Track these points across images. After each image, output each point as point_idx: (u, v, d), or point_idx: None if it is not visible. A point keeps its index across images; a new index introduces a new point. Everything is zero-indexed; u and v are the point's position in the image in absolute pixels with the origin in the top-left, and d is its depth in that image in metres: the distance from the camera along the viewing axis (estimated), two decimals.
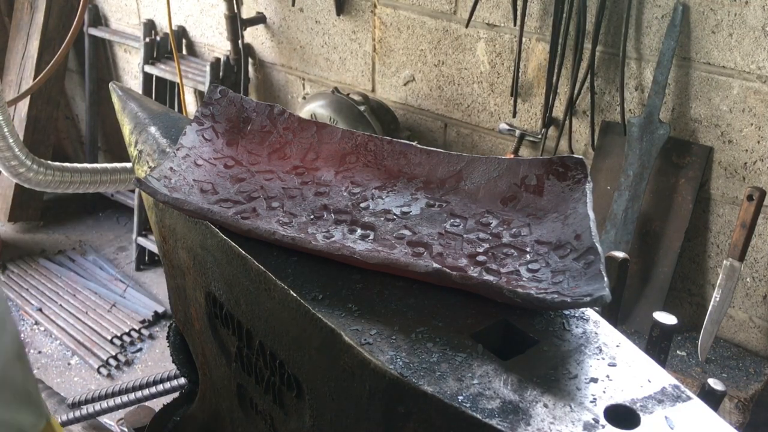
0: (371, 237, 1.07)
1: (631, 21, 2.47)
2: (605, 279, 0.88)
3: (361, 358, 0.83)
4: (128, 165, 2.91)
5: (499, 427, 0.73)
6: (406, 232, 1.07)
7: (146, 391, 2.03)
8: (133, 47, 4.20)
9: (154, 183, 1.10)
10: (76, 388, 3.34)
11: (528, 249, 1.02)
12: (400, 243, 1.05)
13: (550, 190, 1.08)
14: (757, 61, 2.27)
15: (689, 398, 0.79)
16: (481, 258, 1.01)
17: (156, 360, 3.51)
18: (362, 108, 2.98)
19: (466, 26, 2.79)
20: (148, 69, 3.96)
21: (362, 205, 1.14)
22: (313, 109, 3.03)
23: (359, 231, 1.08)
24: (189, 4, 3.87)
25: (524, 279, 0.96)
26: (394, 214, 1.11)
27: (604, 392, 0.79)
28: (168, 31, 3.64)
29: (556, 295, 0.88)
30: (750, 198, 2.26)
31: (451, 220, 1.09)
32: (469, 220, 1.09)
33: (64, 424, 1.99)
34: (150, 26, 4.07)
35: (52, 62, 3.08)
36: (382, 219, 1.10)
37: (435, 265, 0.94)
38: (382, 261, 0.96)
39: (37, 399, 1.04)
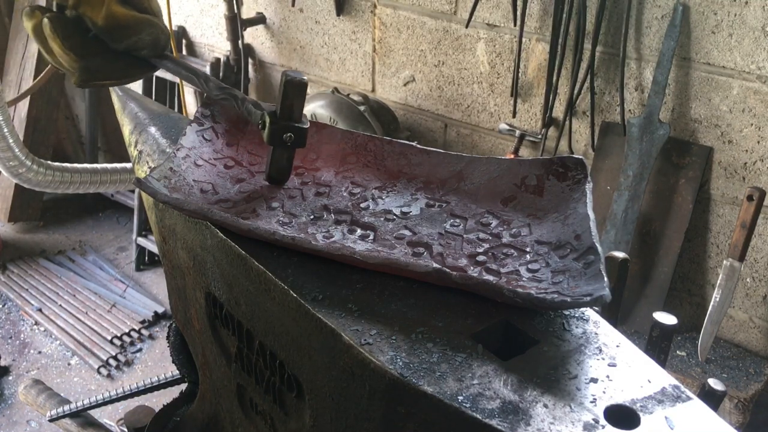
0: (371, 237, 1.07)
1: (631, 21, 2.47)
2: (605, 279, 0.88)
3: (361, 358, 0.83)
4: (128, 165, 2.91)
5: (499, 427, 0.73)
6: (406, 233, 1.07)
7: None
8: None
9: (154, 183, 1.10)
10: (76, 388, 3.34)
11: (528, 249, 1.02)
12: (400, 243, 1.05)
13: (550, 190, 1.08)
14: (757, 61, 2.27)
15: (689, 398, 0.79)
16: (481, 258, 1.01)
17: (156, 360, 3.51)
18: (362, 108, 2.98)
19: (466, 26, 2.79)
20: None
21: (362, 205, 1.14)
22: (313, 109, 3.03)
23: (359, 231, 1.08)
24: (189, 5, 3.87)
25: (524, 279, 0.96)
26: (394, 215, 1.11)
27: (604, 392, 0.79)
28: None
29: (556, 295, 0.88)
30: (750, 198, 2.26)
31: (451, 220, 1.09)
32: (469, 220, 1.09)
33: (55, 419, 1.98)
34: None
35: None
36: (382, 219, 1.10)
37: (435, 265, 0.94)
38: (382, 261, 0.96)
39: None
